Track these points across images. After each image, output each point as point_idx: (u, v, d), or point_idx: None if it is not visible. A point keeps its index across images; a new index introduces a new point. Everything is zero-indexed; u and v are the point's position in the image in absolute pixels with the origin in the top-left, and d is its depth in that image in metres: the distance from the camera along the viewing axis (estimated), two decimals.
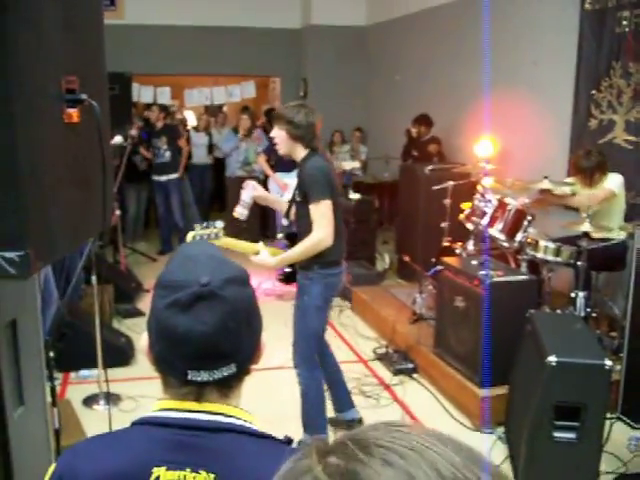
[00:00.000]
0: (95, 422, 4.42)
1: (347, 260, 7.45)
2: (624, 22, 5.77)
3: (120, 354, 5.41)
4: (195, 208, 10.13)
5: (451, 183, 6.35)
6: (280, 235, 4.28)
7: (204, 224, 3.65)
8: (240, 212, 4.20)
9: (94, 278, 4.84)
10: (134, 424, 1.26)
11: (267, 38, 11.46)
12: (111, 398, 4.70)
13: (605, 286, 5.50)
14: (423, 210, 7.32)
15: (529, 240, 5.24)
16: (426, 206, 7.22)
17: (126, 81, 7.45)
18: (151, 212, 10.67)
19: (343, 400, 4.57)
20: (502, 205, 5.41)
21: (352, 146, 11.08)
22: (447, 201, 6.37)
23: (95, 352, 4.76)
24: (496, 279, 4.63)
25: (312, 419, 4.18)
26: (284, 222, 4.26)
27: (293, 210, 4.16)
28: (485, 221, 5.44)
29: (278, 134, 3.96)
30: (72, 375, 5.35)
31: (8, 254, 1.44)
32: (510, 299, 4.60)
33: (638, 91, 5.71)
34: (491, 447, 4.31)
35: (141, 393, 4.85)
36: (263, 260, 3.85)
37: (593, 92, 6.17)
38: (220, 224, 3.67)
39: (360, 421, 4.55)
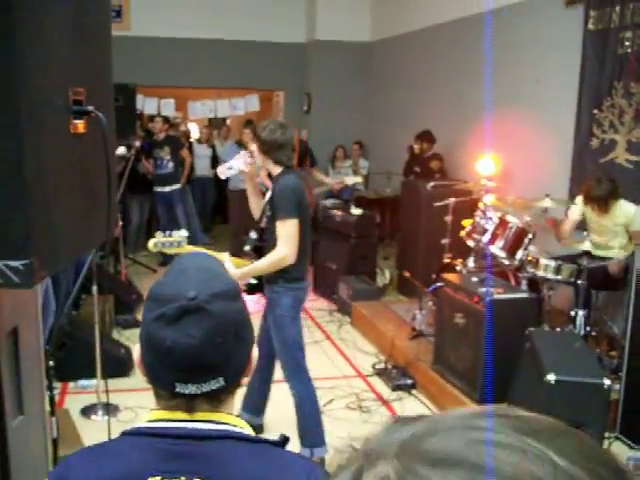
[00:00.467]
0: (93, 432, 4.42)
1: (348, 274, 7.54)
2: (626, 43, 5.81)
3: (119, 365, 5.40)
4: (197, 219, 10.14)
5: (452, 200, 6.37)
6: (247, 247, 4.35)
7: (166, 233, 3.76)
8: (220, 171, 4.33)
9: (95, 288, 4.85)
10: (125, 434, 1.26)
11: (272, 52, 11.51)
12: (109, 408, 4.70)
13: (605, 305, 5.50)
14: (424, 226, 7.34)
15: (529, 258, 5.25)
16: (427, 222, 7.24)
17: (130, 92, 7.47)
18: (153, 223, 10.69)
19: (258, 405, 4.60)
20: (503, 223, 5.42)
21: (353, 160, 11.11)
22: (448, 218, 6.38)
23: (94, 362, 4.76)
24: (496, 296, 4.64)
25: (309, 431, 4.19)
26: (252, 235, 4.34)
27: (264, 221, 4.23)
28: (486, 238, 5.45)
29: (254, 148, 4.12)
30: (71, 385, 5.34)
31: (12, 263, 1.45)
32: (510, 316, 4.60)
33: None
34: None
35: (139, 404, 4.85)
36: (227, 270, 3.89)
37: (595, 111, 6.19)
38: (184, 232, 3.81)
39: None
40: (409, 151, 9.03)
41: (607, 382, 3.55)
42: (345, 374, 5.81)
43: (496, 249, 5.39)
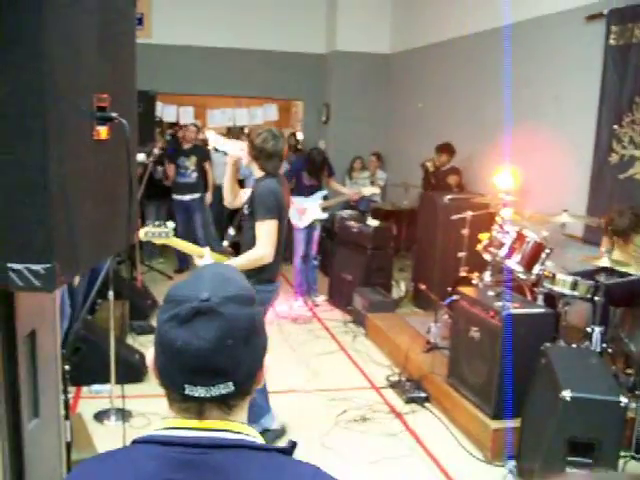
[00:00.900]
0: (105, 437, 4.43)
1: (363, 286, 7.54)
2: None
3: (133, 370, 5.41)
4: (213, 227, 10.16)
5: (470, 213, 6.36)
6: (226, 243, 4.53)
7: (156, 223, 4.10)
8: (214, 139, 4.68)
9: (111, 293, 4.87)
10: (136, 442, 1.26)
11: (291, 62, 11.56)
12: (122, 414, 4.71)
13: (622, 322, 5.46)
14: (441, 239, 7.32)
15: (546, 273, 5.21)
16: (444, 235, 7.22)
17: (150, 99, 7.52)
18: None
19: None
20: (520, 237, 5.39)
21: (370, 172, 11.11)
22: (465, 231, 6.37)
23: (108, 367, 4.78)
24: (513, 311, 4.61)
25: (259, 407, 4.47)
26: (230, 232, 4.51)
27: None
28: (503, 252, 5.43)
29: (245, 147, 4.37)
30: (84, 389, 5.36)
31: (34, 266, 1.46)
32: (526, 331, 4.56)
33: None
34: None
35: (152, 410, 4.86)
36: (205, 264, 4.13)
37: (615, 127, 6.16)
38: (171, 224, 4.12)
39: None
40: (422, 169, 8.99)
41: (624, 400, 3.52)
42: (358, 385, 5.79)
43: (513, 263, 5.36)
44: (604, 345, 4.96)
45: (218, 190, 10.72)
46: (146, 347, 6.07)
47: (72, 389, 5.19)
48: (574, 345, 5.04)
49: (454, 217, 6.50)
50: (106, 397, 5.00)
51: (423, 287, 7.04)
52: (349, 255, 8.06)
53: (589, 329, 5.00)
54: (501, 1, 7.22)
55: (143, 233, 3.98)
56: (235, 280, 1.31)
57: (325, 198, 8.08)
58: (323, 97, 11.93)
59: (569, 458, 3.50)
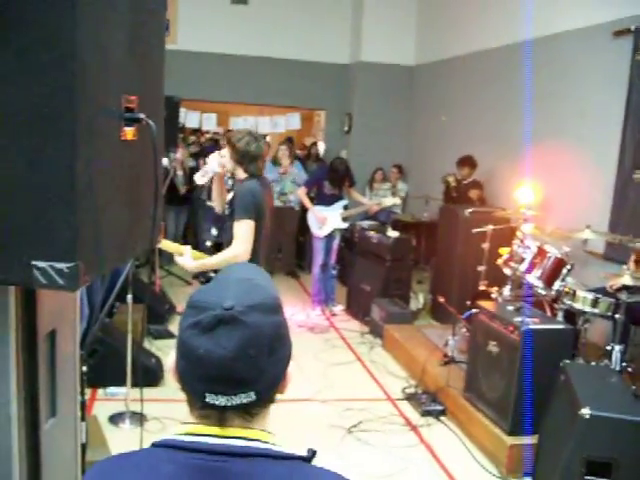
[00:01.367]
0: (120, 440, 4.44)
1: (382, 297, 7.52)
2: None
3: (149, 374, 5.43)
4: None
5: (490, 227, 6.33)
6: (208, 243, 4.62)
7: None
8: (198, 177, 4.69)
9: (130, 297, 4.88)
10: (155, 445, 1.24)
11: (315, 71, 11.59)
12: (137, 418, 4.71)
13: None
14: (460, 252, 7.30)
15: (567, 289, 5.17)
16: (464, 248, 7.20)
17: (174, 105, 7.54)
18: (189, 235, 10.74)
19: None
20: (541, 252, 5.36)
21: (392, 183, 11.10)
22: (485, 245, 6.34)
23: (125, 370, 4.79)
24: (532, 326, 4.57)
25: None
26: (213, 232, 4.58)
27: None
28: (524, 267, 5.40)
29: (225, 153, 4.41)
30: (100, 392, 5.37)
31: (58, 264, 1.46)
32: (545, 347, 4.52)
33: None
34: None
35: (167, 415, 4.86)
36: (184, 262, 4.22)
37: None
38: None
39: None
40: (443, 183, 8.98)
41: None
42: (374, 397, 5.77)
43: (533, 278, 5.33)
44: (624, 364, 4.90)
45: None
46: (163, 351, 6.09)
47: (88, 391, 5.20)
48: (593, 363, 4.99)
49: (475, 230, 6.48)
50: (122, 400, 5.00)
51: (442, 300, 7.00)
52: (368, 266, 8.05)
53: (609, 347, 4.96)
54: (525, 16, 7.21)
55: None
56: (261, 287, 1.28)
57: (346, 208, 8.08)
58: (346, 107, 11.94)
59: (587, 477, 3.45)
